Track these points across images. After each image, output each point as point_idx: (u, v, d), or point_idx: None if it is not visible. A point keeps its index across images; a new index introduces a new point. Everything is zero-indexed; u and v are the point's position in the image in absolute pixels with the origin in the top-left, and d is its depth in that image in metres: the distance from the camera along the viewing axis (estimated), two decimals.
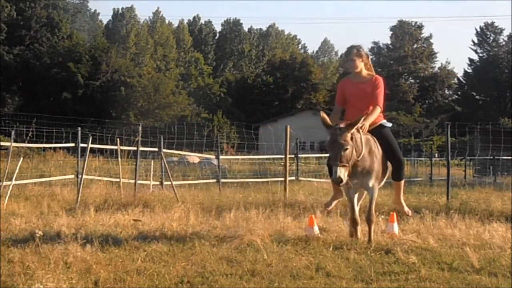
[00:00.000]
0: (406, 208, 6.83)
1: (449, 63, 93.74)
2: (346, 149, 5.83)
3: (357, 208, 6.44)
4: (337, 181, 5.91)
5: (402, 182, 6.62)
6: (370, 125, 6.31)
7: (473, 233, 6.94)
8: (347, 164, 5.84)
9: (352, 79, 6.68)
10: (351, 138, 5.91)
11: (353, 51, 6.60)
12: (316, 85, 68.52)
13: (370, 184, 6.25)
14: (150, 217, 8.00)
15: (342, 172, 5.81)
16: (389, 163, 6.55)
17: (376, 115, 6.36)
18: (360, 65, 6.57)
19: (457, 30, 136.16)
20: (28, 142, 16.60)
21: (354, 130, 5.92)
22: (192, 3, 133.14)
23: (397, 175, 6.54)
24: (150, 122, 47.68)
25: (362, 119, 6.03)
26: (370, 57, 6.89)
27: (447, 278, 4.92)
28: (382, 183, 6.61)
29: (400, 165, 6.49)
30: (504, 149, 18.35)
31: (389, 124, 6.59)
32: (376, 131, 6.41)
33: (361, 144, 6.07)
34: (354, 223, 6.44)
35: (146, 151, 15.08)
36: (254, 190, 12.44)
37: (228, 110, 59.72)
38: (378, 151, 6.26)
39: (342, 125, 5.93)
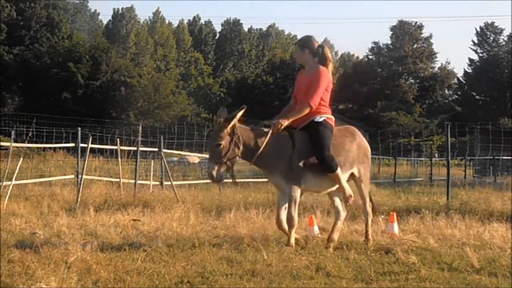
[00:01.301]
0: (347, 193, 6.11)
1: (449, 63, 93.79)
2: (219, 145, 5.65)
3: (282, 211, 5.96)
4: (209, 178, 5.78)
5: (336, 172, 5.96)
6: (302, 121, 5.98)
7: (473, 233, 6.94)
8: (219, 161, 5.65)
9: (304, 72, 6.36)
10: (231, 134, 5.69)
11: (297, 43, 6.33)
12: None
13: (281, 184, 5.90)
14: (150, 217, 8.01)
15: (215, 169, 5.65)
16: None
17: (300, 113, 5.97)
18: (304, 57, 6.17)
19: (457, 30, 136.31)
20: (28, 142, 16.60)
21: (233, 125, 5.68)
22: (192, 3, 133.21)
23: (326, 170, 5.93)
24: (150, 122, 47.61)
25: (241, 113, 5.74)
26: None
27: (447, 278, 4.92)
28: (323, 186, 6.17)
29: (323, 163, 5.87)
30: (504, 149, 18.34)
31: (320, 119, 6.02)
32: (308, 127, 6.01)
33: (254, 140, 5.79)
34: (277, 225, 6.05)
35: (146, 151, 15.08)
36: (254, 190, 12.44)
37: (228, 110, 59.61)
38: (288, 150, 5.85)
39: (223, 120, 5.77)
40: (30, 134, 17.60)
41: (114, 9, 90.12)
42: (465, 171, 22.37)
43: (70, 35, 58.28)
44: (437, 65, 73.78)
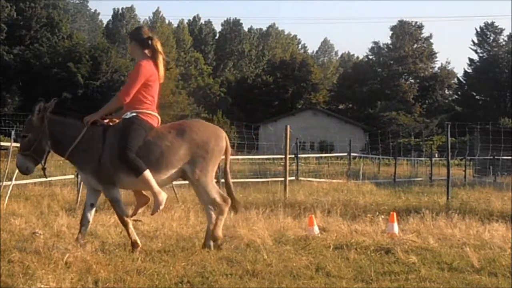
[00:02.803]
0: (159, 199, 5.68)
1: (449, 63, 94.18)
2: (25, 136, 5.60)
3: (87, 208, 5.75)
4: (18, 169, 5.71)
5: (143, 176, 5.53)
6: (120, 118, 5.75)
7: (473, 233, 6.94)
8: (26, 153, 5.59)
9: None
10: (39, 126, 5.56)
11: (128, 35, 6.20)
12: (316, 85, 68.58)
13: (92, 183, 5.69)
14: (150, 217, 7.99)
15: (20, 161, 5.62)
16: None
17: (110, 106, 5.84)
18: (132, 49, 5.94)
19: (457, 30, 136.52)
20: None
21: (41, 117, 5.56)
22: (192, 3, 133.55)
23: (132, 172, 5.56)
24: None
25: (39, 106, 5.57)
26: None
27: (447, 278, 4.92)
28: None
29: (125, 162, 5.51)
30: (504, 149, 18.34)
31: (128, 116, 5.68)
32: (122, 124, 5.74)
33: (68, 134, 5.61)
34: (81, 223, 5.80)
35: None
36: (254, 190, 12.42)
37: (228, 110, 59.77)
38: (98, 146, 5.57)
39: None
40: None
41: (114, 9, 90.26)
42: (465, 171, 22.35)
43: (70, 35, 58.34)
44: (437, 65, 73.98)
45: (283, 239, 6.37)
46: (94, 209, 5.87)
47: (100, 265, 4.92)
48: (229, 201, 5.94)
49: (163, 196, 5.71)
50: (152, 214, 6.11)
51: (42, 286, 4.31)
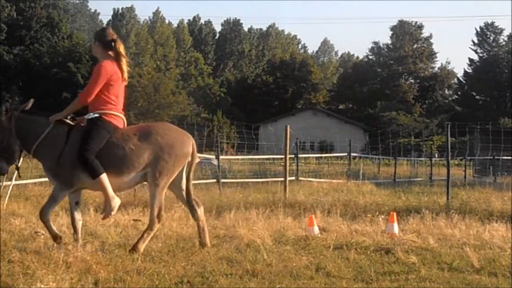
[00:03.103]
0: (111, 204, 5.55)
1: (449, 63, 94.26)
2: None
3: (75, 207, 5.76)
4: None
5: (99, 179, 5.47)
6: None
7: (473, 233, 6.95)
8: None
9: None
10: (7, 125, 5.56)
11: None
12: (316, 85, 68.61)
13: (49, 178, 5.77)
14: None
15: None
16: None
17: (73, 105, 5.73)
18: (95, 49, 5.86)
19: (457, 30, 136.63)
20: None
21: (10, 116, 5.56)
22: (192, 3, 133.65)
23: (89, 174, 5.49)
24: (150, 122, 47.59)
25: (5, 106, 5.59)
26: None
27: (447, 278, 4.92)
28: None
29: (83, 164, 5.46)
30: (504, 149, 18.35)
31: (90, 116, 5.63)
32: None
33: (34, 132, 5.57)
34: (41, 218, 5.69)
35: None
36: (254, 190, 12.42)
37: (228, 110, 59.81)
38: (60, 144, 5.54)
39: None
40: None
41: (114, 9, 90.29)
42: (465, 171, 22.35)
43: (70, 35, 58.40)
44: (437, 65, 74.01)
45: (283, 239, 6.37)
46: (79, 207, 5.85)
47: (100, 265, 4.92)
48: (163, 219, 5.85)
49: (116, 201, 5.60)
50: (103, 219, 5.99)
51: (42, 286, 4.31)
